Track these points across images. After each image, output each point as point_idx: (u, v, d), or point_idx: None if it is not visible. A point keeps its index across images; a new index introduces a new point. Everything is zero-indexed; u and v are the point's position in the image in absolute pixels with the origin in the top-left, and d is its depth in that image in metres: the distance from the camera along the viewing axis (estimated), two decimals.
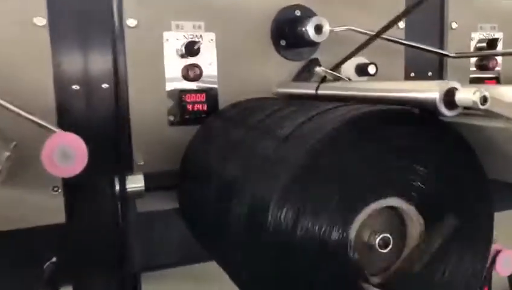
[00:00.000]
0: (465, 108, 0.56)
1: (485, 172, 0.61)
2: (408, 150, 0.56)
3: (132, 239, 0.89)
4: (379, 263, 0.60)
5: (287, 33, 0.99)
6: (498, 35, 1.20)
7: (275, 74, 1.01)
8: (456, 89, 0.54)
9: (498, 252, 0.86)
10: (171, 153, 0.93)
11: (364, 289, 0.56)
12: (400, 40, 1.07)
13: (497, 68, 1.21)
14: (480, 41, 1.19)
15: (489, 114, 0.54)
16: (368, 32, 0.97)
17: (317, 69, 0.98)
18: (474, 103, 0.51)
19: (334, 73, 0.93)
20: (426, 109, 0.57)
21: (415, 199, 0.57)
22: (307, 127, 0.57)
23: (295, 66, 1.03)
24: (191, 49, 0.91)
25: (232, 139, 0.73)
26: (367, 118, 0.55)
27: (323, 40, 0.97)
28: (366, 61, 1.03)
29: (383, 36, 1.04)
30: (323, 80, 0.92)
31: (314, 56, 1.03)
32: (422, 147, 0.58)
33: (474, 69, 1.21)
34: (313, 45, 0.99)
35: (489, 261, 0.87)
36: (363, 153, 0.54)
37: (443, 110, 0.55)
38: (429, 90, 0.56)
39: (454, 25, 1.16)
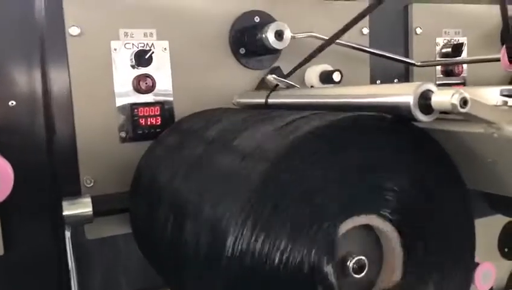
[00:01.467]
0: (442, 112, 0.51)
1: (464, 183, 0.56)
2: (379, 161, 0.50)
3: (78, 269, 0.80)
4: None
5: (246, 40, 0.93)
6: (462, 40, 1.17)
7: (234, 84, 0.94)
8: (432, 91, 0.48)
9: (476, 265, 0.81)
10: (124, 172, 0.84)
11: None
12: (364, 48, 1.03)
13: (463, 74, 1.19)
14: (445, 46, 1.17)
15: (469, 118, 0.49)
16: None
17: (268, 77, 0.91)
18: (453, 106, 0.45)
19: (285, 80, 0.87)
20: (399, 114, 0.51)
21: (389, 215, 0.51)
22: (268, 141, 0.50)
23: (256, 75, 0.97)
24: (142, 58, 0.84)
25: (184, 155, 0.66)
26: (332, 128, 0.49)
27: (286, 48, 0.91)
28: (331, 68, 0.98)
29: (346, 43, 1.00)
30: (275, 88, 0.86)
31: (275, 64, 0.98)
32: (395, 158, 0.52)
33: (440, 75, 1.18)
34: (274, 52, 0.93)
35: None
36: (329, 167, 0.48)
37: (418, 115, 0.49)
38: (402, 94, 0.50)
39: (418, 30, 1.13)
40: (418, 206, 0.52)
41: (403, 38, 1.15)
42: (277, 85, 0.87)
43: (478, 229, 1.24)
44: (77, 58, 0.82)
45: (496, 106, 0.51)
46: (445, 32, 1.17)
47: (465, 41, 1.18)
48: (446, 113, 0.51)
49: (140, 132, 0.86)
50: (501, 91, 0.50)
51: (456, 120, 0.54)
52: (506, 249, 1.31)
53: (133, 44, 0.85)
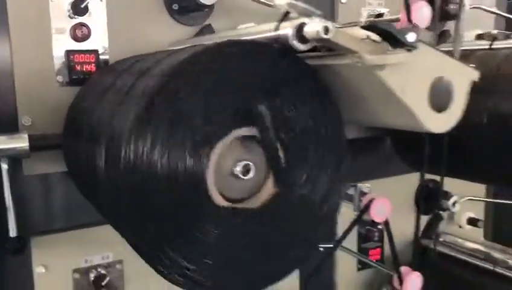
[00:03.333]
0: (320, 47, 0.61)
1: (340, 110, 0.66)
2: (264, 82, 0.60)
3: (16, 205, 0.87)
4: (244, 191, 0.64)
5: None
6: (384, 11, 1.29)
7: (167, 38, 1.02)
8: (305, 24, 0.58)
9: (372, 200, 0.92)
10: (61, 114, 0.91)
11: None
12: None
13: None
14: (368, 16, 1.28)
15: (335, 47, 0.59)
16: None
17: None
18: (318, 32, 0.56)
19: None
20: (283, 45, 0.61)
21: (272, 129, 0.61)
22: (163, 63, 0.59)
23: (190, 31, 1.05)
24: (78, 8, 0.91)
25: (102, 87, 0.74)
26: (214, 51, 0.58)
27: (219, 6, 0.99)
28: None
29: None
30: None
31: (207, 22, 1.06)
32: (274, 82, 0.61)
33: None
34: (205, 8, 1.01)
35: (362, 210, 0.94)
36: (218, 83, 0.57)
37: (296, 44, 0.59)
38: (283, 29, 0.60)
39: (344, 0, 1.24)
40: (291, 124, 0.62)
41: (330, 7, 1.25)
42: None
43: (397, 185, 1.36)
44: (16, 5, 0.88)
45: (361, 39, 0.62)
46: (368, 3, 1.28)
47: (386, 13, 1.29)
48: (326, 50, 0.62)
49: (75, 77, 0.93)
50: (362, 27, 0.60)
51: (334, 55, 0.65)
52: (421, 204, 1.45)
53: None
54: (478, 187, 1.57)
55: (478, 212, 1.57)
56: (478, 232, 1.58)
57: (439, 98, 0.66)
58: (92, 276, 1.00)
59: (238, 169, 0.60)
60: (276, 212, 0.65)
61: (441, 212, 1.48)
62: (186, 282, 0.58)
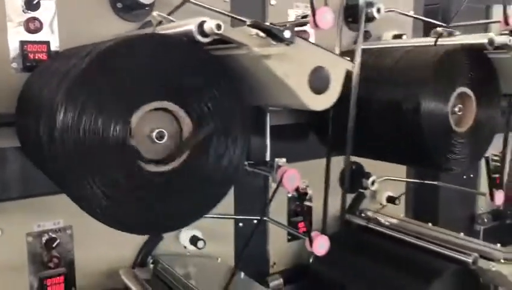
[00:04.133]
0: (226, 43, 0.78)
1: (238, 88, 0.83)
2: (183, 67, 0.77)
3: None
4: (162, 153, 0.80)
5: None
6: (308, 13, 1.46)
7: (112, 33, 1.17)
8: (205, 21, 0.75)
9: (284, 171, 1.10)
10: (15, 97, 1.06)
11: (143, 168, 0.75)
12: (224, 12, 1.29)
13: None
14: (296, 18, 1.46)
15: (229, 40, 0.76)
16: None
17: (154, 14, 1.11)
18: (211, 29, 0.73)
19: (168, 17, 1.09)
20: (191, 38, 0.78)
21: (185, 105, 0.78)
22: (94, 49, 0.75)
23: (132, 26, 1.21)
24: (31, 3, 1.06)
25: (47, 71, 0.89)
26: (138, 42, 0.74)
27: (158, 5, 1.15)
28: None
29: (207, 6, 1.26)
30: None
31: (148, 19, 1.22)
32: (193, 69, 0.78)
33: None
34: (146, 7, 1.17)
35: (278, 181, 1.12)
36: (142, 62, 0.73)
37: (198, 37, 0.76)
38: (189, 24, 0.77)
39: (273, 1, 1.41)
40: (200, 100, 0.79)
41: (261, 8, 1.42)
42: (161, 22, 1.09)
43: (321, 167, 1.52)
44: None
45: (250, 35, 0.79)
46: (296, 6, 1.46)
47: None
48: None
49: (29, 64, 1.08)
50: (248, 26, 0.77)
51: (233, 47, 0.82)
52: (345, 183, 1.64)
53: None
54: (400, 169, 1.78)
55: (399, 192, 1.78)
56: (400, 210, 1.78)
57: (318, 83, 0.84)
58: (43, 239, 1.15)
59: (153, 135, 0.76)
60: (190, 174, 0.82)
61: (363, 191, 1.68)
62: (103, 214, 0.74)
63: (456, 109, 1.17)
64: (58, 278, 1.16)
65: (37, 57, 1.08)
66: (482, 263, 1.26)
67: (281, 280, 1.48)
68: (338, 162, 1.65)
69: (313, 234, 1.19)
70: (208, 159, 0.82)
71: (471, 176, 2.00)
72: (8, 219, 1.11)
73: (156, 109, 0.77)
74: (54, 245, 1.14)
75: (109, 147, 0.73)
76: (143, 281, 1.15)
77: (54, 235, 1.16)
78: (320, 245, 1.19)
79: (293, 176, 1.12)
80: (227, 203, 1.38)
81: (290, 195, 1.54)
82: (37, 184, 1.12)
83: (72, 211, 1.13)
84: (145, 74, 0.74)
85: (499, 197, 1.55)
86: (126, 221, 0.77)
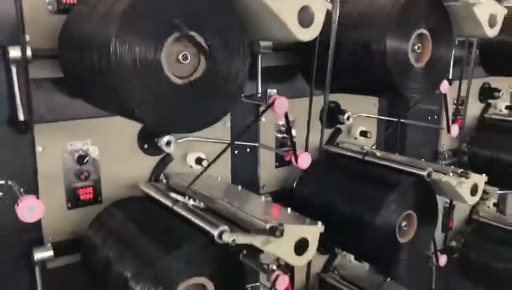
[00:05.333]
0: None
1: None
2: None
3: None
4: (185, 71, 1.04)
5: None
6: None
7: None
8: None
9: (275, 98, 1.35)
10: (52, 34, 1.26)
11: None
12: None
13: None
14: None
15: None
16: None
17: None
18: None
19: None
20: None
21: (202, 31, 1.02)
22: None
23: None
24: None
25: (85, 10, 1.12)
26: None
27: None
28: None
29: None
30: None
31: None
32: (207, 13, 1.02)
33: None
34: None
35: (269, 105, 1.36)
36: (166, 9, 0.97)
37: None
38: None
39: None
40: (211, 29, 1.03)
41: None
42: None
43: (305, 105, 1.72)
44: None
45: None
46: None
47: None
48: None
49: (62, 7, 1.28)
50: None
51: None
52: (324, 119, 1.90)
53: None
54: (373, 108, 2.05)
55: (372, 127, 2.05)
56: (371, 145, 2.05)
57: (305, 19, 1.08)
58: (75, 156, 1.38)
59: (180, 57, 1.00)
60: (207, 82, 1.06)
61: (340, 126, 1.95)
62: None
63: (416, 48, 1.43)
64: (88, 189, 1.41)
65: (69, 1, 1.29)
66: (435, 176, 1.55)
67: (270, 198, 1.75)
68: (318, 102, 1.92)
69: (298, 152, 1.46)
70: (218, 75, 1.06)
71: (435, 117, 2.29)
72: (47, 138, 1.33)
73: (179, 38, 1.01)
74: (84, 161, 1.38)
75: (149, 66, 0.97)
76: (159, 188, 1.41)
77: (83, 153, 1.39)
78: (304, 160, 1.46)
79: (282, 102, 1.36)
80: (225, 133, 1.63)
81: (277, 129, 1.78)
82: (70, 110, 1.35)
83: (98, 133, 1.39)
84: (174, 10, 0.98)
85: (455, 129, 1.84)
86: (158, 120, 1.02)
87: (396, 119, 2.01)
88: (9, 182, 1.19)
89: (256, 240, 1.14)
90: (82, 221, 1.39)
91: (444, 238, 2.51)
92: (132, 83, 0.96)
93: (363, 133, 1.97)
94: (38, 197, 1.15)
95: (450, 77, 1.79)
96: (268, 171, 1.79)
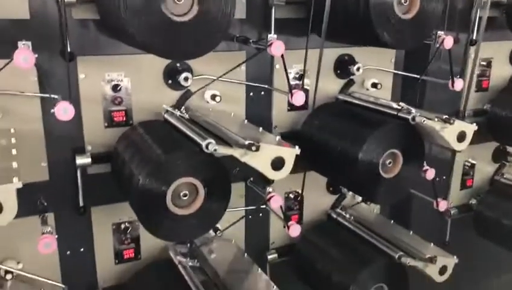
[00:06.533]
0: None
1: None
2: None
3: None
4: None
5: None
6: None
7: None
8: None
9: (271, 43, 1.58)
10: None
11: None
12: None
13: None
14: None
15: None
16: None
17: None
18: None
19: None
20: None
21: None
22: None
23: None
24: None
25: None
26: None
27: None
28: None
29: None
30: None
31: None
32: None
33: None
34: None
35: (267, 47, 1.59)
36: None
37: None
38: None
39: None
40: None
41: None
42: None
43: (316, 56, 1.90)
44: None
45: None
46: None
47: None
48: None
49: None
50: None
51: None
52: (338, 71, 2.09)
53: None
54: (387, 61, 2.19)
55: (386, 80, 2.20)
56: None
57: None
58: (111, 84, 1.71)
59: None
60: (201, 22, 1.33)
61: (352, 77, 2.13)
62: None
63: (403, 1, 1.58)
64: (121, 112, 1.74)
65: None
66: (419, 119, 1.70)
67: (280, 137, 1.98)
68: (332, 54, 2.09)
69: (293, 91, 1.67)
70: (210, 12, 1.32)
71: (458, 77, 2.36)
72: (89, 68, 1.65)
73: None
74: (118, 89, 1.70)
75: (149, 6, 1.26)
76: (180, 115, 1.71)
77: (118, 83, 1.71)
78: (298, 98, 1.67)
79: (278, 45, 1.59)
80: (241, 75, 1.88)
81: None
82: (107, 46, 1.67)
83: (131, 67, 1.71)
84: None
85: (458, 84, 1.96)
86: (163, 49, 1.31)
87: (412, 75, 2.14)
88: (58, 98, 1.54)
89: (236, 152, 1.40)
90: (115, 138, 1.73)
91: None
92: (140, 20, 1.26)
93: (374, 85, 2.13)
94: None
95: (445, 29, 1.87)
96: (280, 113, 1.99)
